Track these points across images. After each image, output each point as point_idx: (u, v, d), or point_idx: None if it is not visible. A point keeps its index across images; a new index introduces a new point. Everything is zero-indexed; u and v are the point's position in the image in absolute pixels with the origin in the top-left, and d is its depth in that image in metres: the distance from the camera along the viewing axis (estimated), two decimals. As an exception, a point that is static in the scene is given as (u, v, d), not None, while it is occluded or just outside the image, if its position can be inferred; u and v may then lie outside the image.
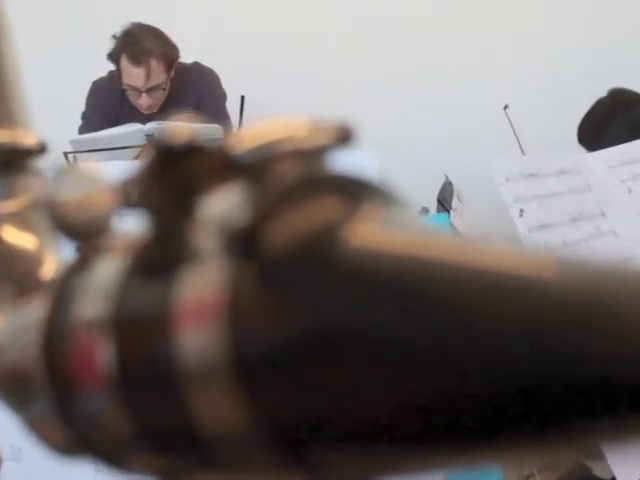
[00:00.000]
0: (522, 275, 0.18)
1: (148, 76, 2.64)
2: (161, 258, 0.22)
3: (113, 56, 2.69)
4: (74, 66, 2.91)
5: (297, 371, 0.19)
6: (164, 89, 2.69)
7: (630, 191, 1.67)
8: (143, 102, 2.68)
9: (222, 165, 0.21)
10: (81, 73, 2.78)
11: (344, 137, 0.22)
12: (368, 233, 0.20)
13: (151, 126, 2.41)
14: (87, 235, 0.25)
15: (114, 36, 2.68)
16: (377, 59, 3.10)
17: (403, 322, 0.18)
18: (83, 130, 2.73)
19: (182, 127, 0.21)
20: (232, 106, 2.71)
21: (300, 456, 0.20)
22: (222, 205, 0.21)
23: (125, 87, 2.69)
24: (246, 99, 2.51)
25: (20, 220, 0.35)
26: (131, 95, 2.70)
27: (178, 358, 0.21)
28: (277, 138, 0.21)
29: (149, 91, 2.67)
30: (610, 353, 0.17)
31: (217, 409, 0.20)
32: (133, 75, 2.65)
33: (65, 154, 2.30)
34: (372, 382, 0.19)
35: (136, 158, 2.33)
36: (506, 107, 2.69)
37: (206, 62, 2.83)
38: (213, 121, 2.56)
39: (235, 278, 0.20)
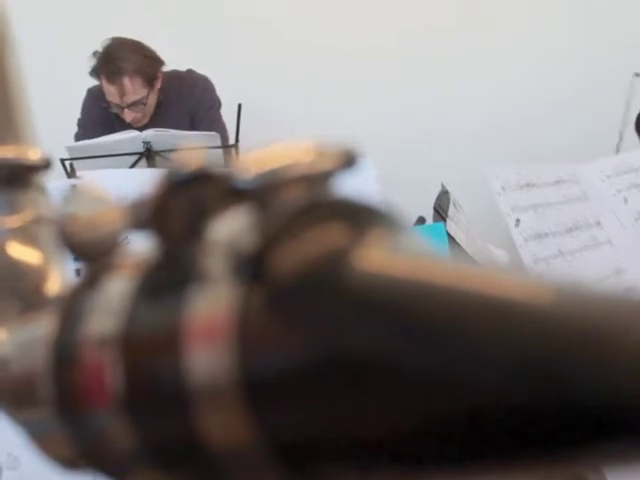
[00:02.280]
0: (521, 302, 0.18)
1: (122, 94, 2.65)
2: (170, 279, 0.22)
3: (95, 73, 2.71)
4: (70, 73, 2.91)
5: (302, 393, 0.20)
6: (144, 104, 2.69)
7: (626, 201, 1.67)
8: (126, 117, 2.70)
9: (230, 190, 0.22)
10: (78, 80, 2.78)
11: (349, 162, 0.22)
12: (375, 259, 0.21)
13: (148, 133, 2.42)
14: (96, 254, 0.25)
15: (95, 53, 2.69)
16: (374, 67, 3.11)
17: (408, 348, 0.19)
18: (79, 137, 2.74)
19: (192, 155, 0.22)
20: (229, 114, 2.72)
21: (304, 475, 0.20)
22: (230, 229, 0.21)
23: (109, 103, 2.70)
24: (243, 107, 2.51)
25: (25, 235, 0.35)
26: (115, 110, 2.71)
27: (186, 377, 0.21)
28: (283, 164, 0.22)
29: (130, 106, 2.67)
30: (604, 381, 0.17)
31: (223, 428, 0.21)
32: (110, 93, 2.67)
33: (62, 161, 2.30)
34: (377, 405, 0.19)
35: (133, 165, 2.34)
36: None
37: (202, 70, 2.83)
38: (209, 129, 2.56)
39: (244, 301, 0.20)
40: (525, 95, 3.11)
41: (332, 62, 3.11)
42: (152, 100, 2.72)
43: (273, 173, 0.21)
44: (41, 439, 0.28)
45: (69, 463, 0.28)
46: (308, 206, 0.21)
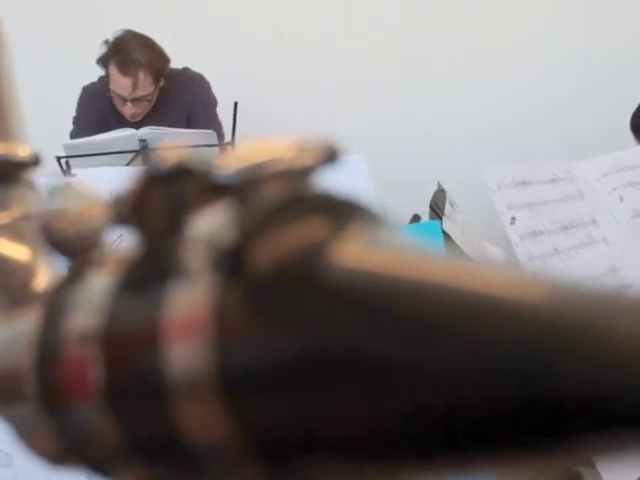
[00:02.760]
0: (504, 296, 0.18)
1: (135, 87, 2.65)
2: (150, 274, 0.22)
3: (102, 61, 2.70)
4: (66, 70, 2.91)
5: (279, 388, 0.20)
6: (149, 101, 2.69)
7: (621, 199, 1.67)
8: (127, 110, 2.69)
9: (210, 186, 0.22)
10: (73, 78, 2.79)
11: (330, 157, 0.22)
12: (353, 253, 0.21)
13: (144, 131, 2.42)
14: (79, 250, 0.25)
15: (106, 41, 2.68)
16: (370, 65, 3.11)
17: (384, 341, 0.19)
18: (75, 135, 2.73)
19: (172, 150, 0.22)
20: (225, 112, 2.72)
21: (281, 469, 0.21)
22: (210, 224, 0.21)
23: (112, 93, 2.69)
24: (239, 105, 2.51)
25: (13, 232, 0.35)
26: (116, 102, 2.70)
27: (165, 372, 0.21)
28: (264, 159, 0.22)
29: (134, 101, 2.67)
30: (589, 375, 0.17)
31: (202, 423, 0.21)
32: (120, 84, 2.66)
33: (58, 158, 2.30)
34: (355, 400, 0.19)
35: (129, 163, 2.34)
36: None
37: (198, 68, 2.83)
38: (205, 127, 2.56)
39: (221, 296, 0.21)
40: (522, 95, 3.11)
41: (329, 61, 3.11)
42: (154, 98, 2.73)
43: (253, 168, 0.21)
44: (27, 435, 0.28)
45: (55, 459, 0.28)
46: (287, 201, 0.21)
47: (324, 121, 3.01)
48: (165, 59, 2.72)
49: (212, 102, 2.81)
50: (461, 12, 3.17)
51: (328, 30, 3.14)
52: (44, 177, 0.38)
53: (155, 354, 0.21)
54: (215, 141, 2.44)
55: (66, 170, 2.14)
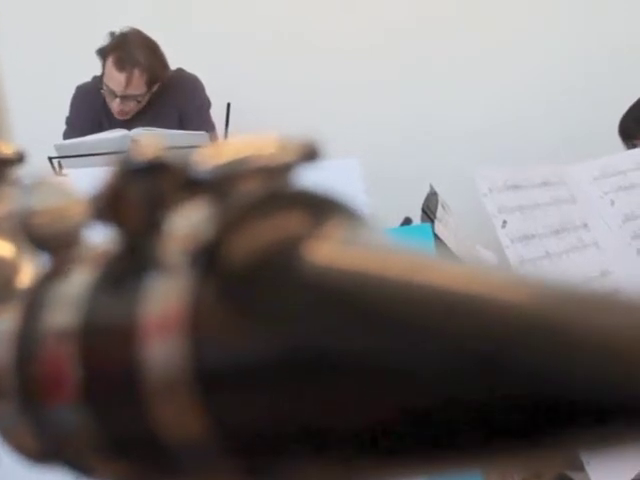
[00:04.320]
0: (477, 294, 0.18)
1: (128, 84, 2.64)
2: (128, 271, 0.22)
3: (102, 52, 2.70)
4: (59, 70, 2.90)
5: (254, 385, 0.20)
6: (139, 101, 2.69)
7: (613, 203, 1.68)
8: (115, 106, 2.69)
9: (188, 182, 0.22)
10: (66, 77, 2.78)
11: (310, 154, 0.22)
12: (329, 250, 0.21)
13: (137, 132, 2.41)
14: (58, 246, 0.25)
15: (111, 33, 2.68)
16: (362, 67, 3.11)
17: (356, 340, 0.19)
18: (67, 135, 2.73)
19: (148, 143, 0.22)
20: (218, 113, 2.71)
21: (258, 467, 0.20)
22: (187, 220, 0.21)
23: (104, 86, 2.69)
24: (232, 106, 2.51)
25: (-3, 229, 0.35)
26: (106, 95, 2.70)
27: (142, 369, 0.21)
28: (242, 155, 0.22)
29: (123, 98, 2.67)
30: (559, 374, 0.17)
31: (178, 419, 0.21)
32: (114, 78, 2.65)
33: (50, 159, 2.30)
34: (330, 397, 0.19)
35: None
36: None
37: (192, 69, 2.83)
38: (198, 129, 2.56)
39: (197, 292, 0.21)
40: (517, 97, 3.11)
41: (321, 61, 3.11)
42: (144, 100, 2.72)
43: (231, 164, 0.21)
44: (9, 433, 0.28)
45: (36, 457, 0.28)
46: (265, 197, 0.21)
47: (318, 122, 3.01)
48: (164, 67, 2.72)
49: (205, 104, 2.81)
50: (461, 12, 3.17)
51: (321, 31, 3.14)
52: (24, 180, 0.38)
53: (132, 351, 0.21)
54: (207, 142, 2.44)
55: (58, 171, 2.14)
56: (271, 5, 3.15)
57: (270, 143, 0.22)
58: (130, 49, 2.64)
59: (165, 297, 0.21)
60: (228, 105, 2.49)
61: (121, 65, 2.63)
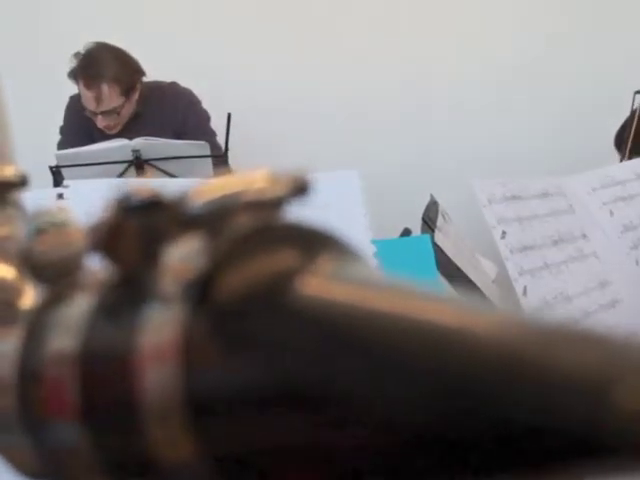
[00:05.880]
0: (455, 328, 0.19)
1: (98, 100, 2.61)
2: (125, 300, 0.23)
3: (72, 75, 2.67)
4: (60, 80, 2.91)
5: (242, 414, 0.21)
6: (118, 113, 2.66)
7: (612, 214, 1.68)
8: (99, 123, 2.66)
9: (183, 218, 0.23)
10: (69, 87, 2.78)
11: (301, 188, 0.23)
12: (319, 285, 0.22)
13: (138, 141, 2.41)
14: (60, 273, 0.26)
15: (76, 54, 2.65)
16: (362, 78, 3.11)
17: (344, 372, 0.20)
18: (61, 145, 2.71)
19: (144, 185, 0.23)
20: (218, 124, 2.71)
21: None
22: (182, 254, 0.22)
23: (84, 107, 2.67)
24: (233, 117, 2.51)
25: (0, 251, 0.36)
26: (89, 114, 2.68)
27: (137, 395, 0.22)
28: (234, 191, 0.23)
29: (102, 114, 2.64)
30: (532, 408, 0.18)
31: (171, 443, 0.22)
32: (86, 98, 2.62)
33: (51, 168, 2.31)
34: (316, 427, 0.20)
35: (122, 174, 2.33)
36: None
37: (191, 79, 2.81)
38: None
39: (190, 323, 0.22)
40: (519, 107, 3.12)
41: (321, 72, 3.11)
42: (127, 110, 2.68)
43: (223, 200, 0.22)
44: (8, 452, 0.29)
45: (35, 474, 0.29)
46: (257, 231, 0.22)
47: (317, 133, 3.03)
48: (136, 71, 2.67)
49: (204, 116, 2.77)
50: (462, 22, 3.17)
51: (321, 41, 3.14)
52: (33, 191, 0.39)
53: (128, 377, 0.22)
54: (208, 152, 2.43)
55: (59, 181, 2.14)
56: (274, 10, 3.15)
57: (261, 178, 0.23)
58: (95, 66, 2.60)
59: (160, 328, 0.22)
60: (229, 115, 2.49)
61: (88, 84, 2.59)
